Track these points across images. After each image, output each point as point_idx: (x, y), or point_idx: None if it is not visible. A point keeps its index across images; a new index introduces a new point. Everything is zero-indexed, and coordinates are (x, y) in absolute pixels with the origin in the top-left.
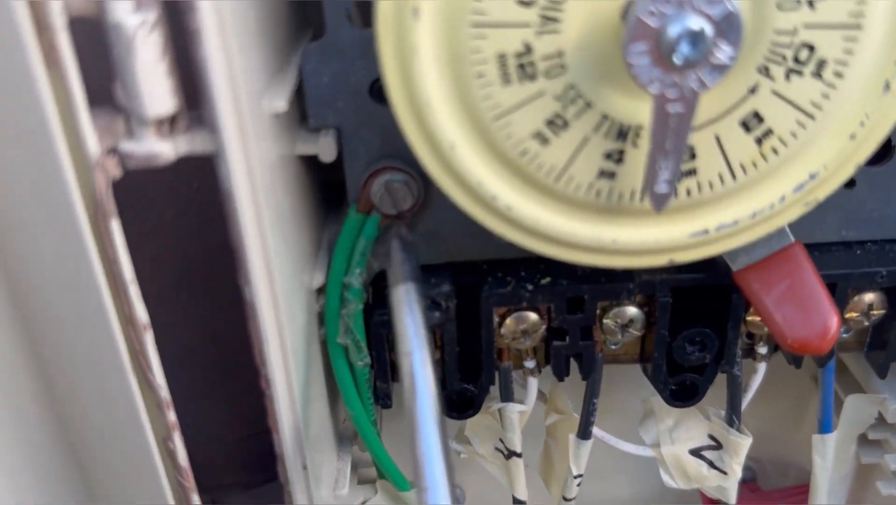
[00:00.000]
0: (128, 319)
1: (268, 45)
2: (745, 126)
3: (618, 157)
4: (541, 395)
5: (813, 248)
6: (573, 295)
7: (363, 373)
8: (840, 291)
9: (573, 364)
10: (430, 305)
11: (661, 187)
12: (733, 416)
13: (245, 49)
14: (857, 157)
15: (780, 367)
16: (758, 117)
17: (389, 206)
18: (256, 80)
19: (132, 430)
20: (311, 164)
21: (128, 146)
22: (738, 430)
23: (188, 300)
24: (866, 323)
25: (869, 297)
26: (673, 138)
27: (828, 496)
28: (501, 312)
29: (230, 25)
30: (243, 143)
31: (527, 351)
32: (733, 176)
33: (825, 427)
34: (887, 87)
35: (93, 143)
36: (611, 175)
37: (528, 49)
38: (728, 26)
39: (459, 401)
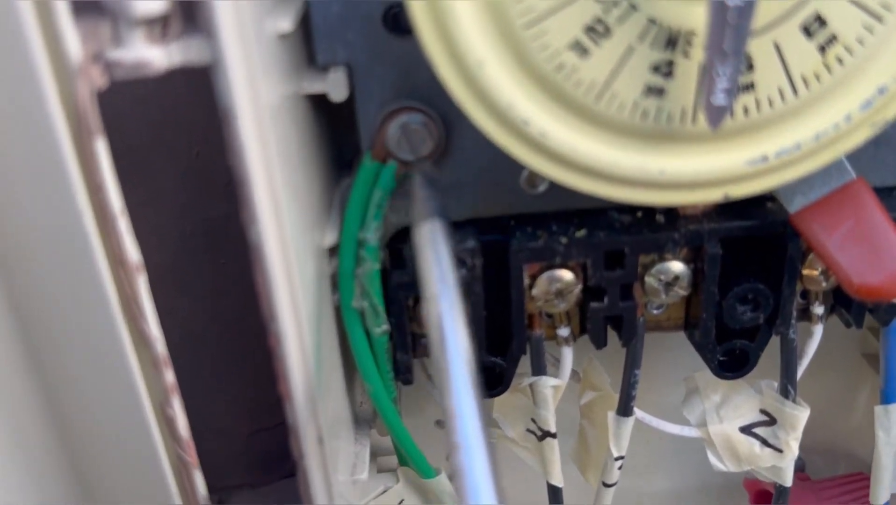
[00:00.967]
0: (117, 259)
1: None
2: (807, 31)
3: (667, 69)
4: (573, 374)
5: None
6: (612, 248)
7: (381, 342)
8: None
9: (611, 334)
10: (455, 262)
11: (719, 98)
12: (788, 385)
13: None
14: None
15: (828, 347)
16: (820, 21)
17: (407, 151)
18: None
19: (124, 392)
20: (322, 111)
21: (115, 53)
22: (795, 401)
23: (190, 281)
24: None
25: None
26: (732, 37)
27: (892, 477)
28: (532, 272)
29: None
30: (245, 52)
31: (560, 317)
32: (794, 91)
33: (889, 396)
34: None
35: (75, 48)
36: (659, 92)
37: None
38: None
39: (487, 377)
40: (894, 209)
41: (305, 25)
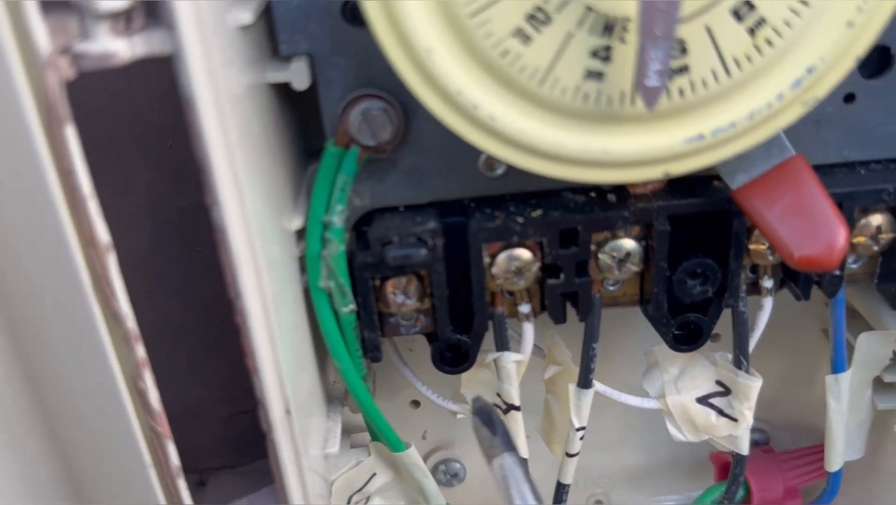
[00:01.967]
0: (88, 240)
1: None
2: (737, 15)
3: (605, 54)
4: (539, 350)
5: (816, 170)
6: (566, 227)
7: (349, 321)
8: (845, 212)
9: (572, 312)
10: (416, 242)
11: (652, 80)
12: (741, 357)
13: None
14: (855, 49)
15: (791, 323)
16: (749, 5)
17: (368, 136)
18: None
19: (97, 367)
20: (290, 101)
21: (81, 46)
22: (747, 371)
23: (165, 267)
24: (875, 248)
25: (877, 219)
26: (662, 21)
27: (845, 444)
28: (492, 251)
29: None
30: (203, 42)
31: (521, 294)
32: (727, 72)
33: (838, 366)
34: None
35: (44, 41)
36: (598, 75)
37: None
38: None
39: (453, 355)
40: (836, 185)
41: (269, 18)
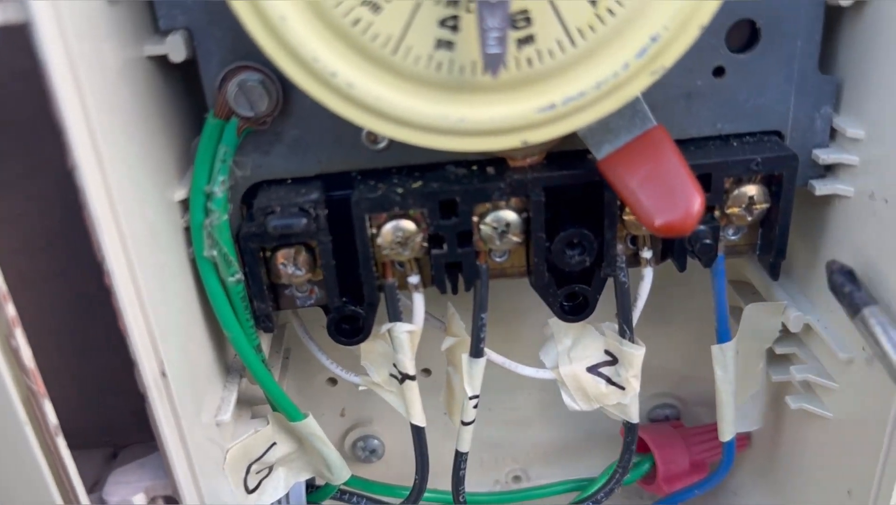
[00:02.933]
0: None
1: None
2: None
3: (452, 23)
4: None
5: (689, 143)
6: (445, 198)
7: (237, 290)
8: (716, 181)
9: (463, 285)
10: (298, 212)
11: (492, 46)
12: (624, 326)
13: None
14: (699, 18)
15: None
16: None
17: (246, 107)
18: None
19: None
20: (177, 76)
21: None
22: (632, 340)
23: (48, 266)
24: (749, 218)
25: (750, 189)
26: None
27: (736, 414)
28: (379, 222)
29: None
30: (56, 13)
31: (410, 265)
32: (572, 42)
33: (722, 336)
34: None
35: None
36: (448, 45)
37: None
38: None
39: (350, 327)
40: (705, 156)
41: None
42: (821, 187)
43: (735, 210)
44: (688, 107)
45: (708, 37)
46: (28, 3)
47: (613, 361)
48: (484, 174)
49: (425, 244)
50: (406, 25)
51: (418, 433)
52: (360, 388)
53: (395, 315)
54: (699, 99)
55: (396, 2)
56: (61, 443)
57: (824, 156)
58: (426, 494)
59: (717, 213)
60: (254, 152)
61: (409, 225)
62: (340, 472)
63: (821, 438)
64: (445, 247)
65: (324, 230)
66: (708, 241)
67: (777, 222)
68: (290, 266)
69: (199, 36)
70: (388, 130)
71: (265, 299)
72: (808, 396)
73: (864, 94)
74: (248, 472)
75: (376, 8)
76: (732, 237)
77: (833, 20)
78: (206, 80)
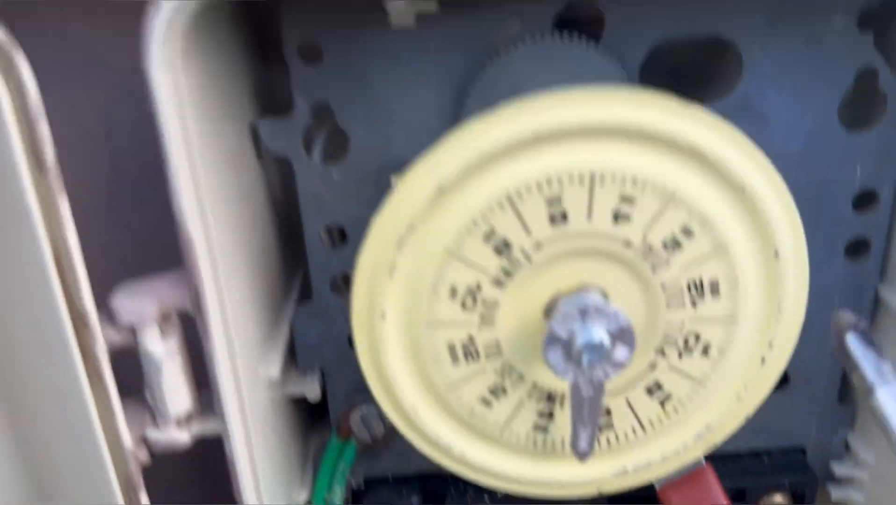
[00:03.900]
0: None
1: (263, 317)
2: (650, 392)
3: (548, 415)
4: None
5: (727, 458)
6: None
7: None
8: (749, 496)
9: None
10: None
11: (582, 446)
12: None
13: (246, 339)
14: (743, 412)
15: None
16: (659, 386)
17: (366, 435)
18: (254, 352)
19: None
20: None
21: (153, 434)
22: None
23: None
24: None
25: (777, 497)
26: (588, 411)
27: None
28: None
29: (233, 323)
30: (244, 423)
31: None
32: (643, 429)
33: None
34: (763, 361)
35: (126, 435)
36: (544, 429)
37: (471, 339)
38: (623, 336)
39: None
40: (741, 476)
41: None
42: (836, 493)
43: None
44: None
45: None
46: (226, 419)
47: None
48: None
49: None
50: (511, 416)
51: None
52: None
53: None
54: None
55: (505, 400)
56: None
57: (839, 470)
58: None
59: None
60: (366, 461)
61: None
62: None
63: None
64: None
65: None
66: None
67: None
68: None
69: (330, 375)
70: (492, 483)
71: None
72: None
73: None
74: None
75: (489, 405)
76: None
77: None
78: (332, 409)
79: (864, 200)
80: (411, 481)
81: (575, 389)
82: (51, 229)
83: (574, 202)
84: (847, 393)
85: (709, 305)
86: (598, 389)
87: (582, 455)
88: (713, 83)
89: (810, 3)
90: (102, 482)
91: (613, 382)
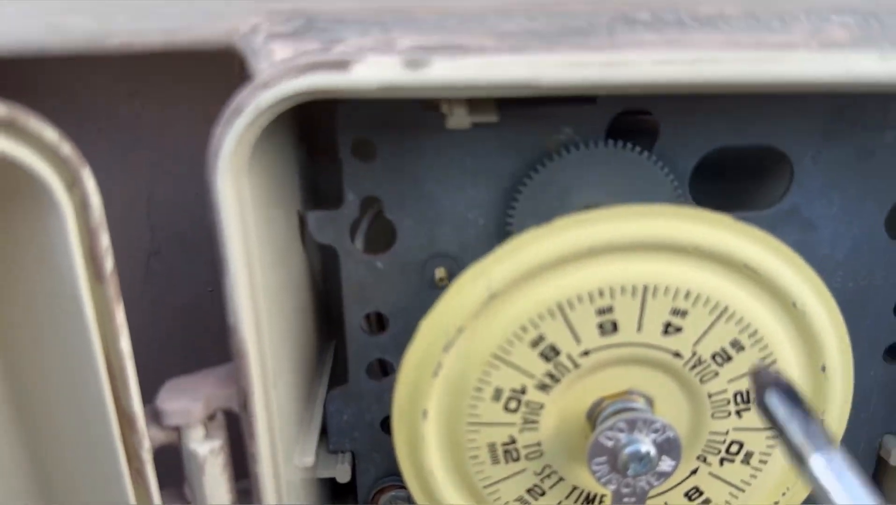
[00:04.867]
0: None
1: (300, 405)
2: (689, 497)
3: None
4: None
5: None
6: None
7: None
8: None
9: None
10: None
11: None
12: None
13: (287, 433)
14: None
15: None
16: (698, 491)
17: None
18: (292, 440)
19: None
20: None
21: None
22: None
23: None
24: None
25: None
26: None
27: None
28: None
29: (277, 419)
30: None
31: None
32: (741, 490)
33: None
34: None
35: None
36: None
37: (513, 440)
38: (669, 447)
39: None
40: None
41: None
42: None
43: None
44: None
45: None
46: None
47: None
48: None
49: None
50: None
51: None
52: None
53: None
54: None
55: (542, 501)
56: None
57: None
58: None
59: None
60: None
61: None
62: None
63: None
64: None
65: None
66: None
67: None
68: None
69: (361, 457)
70: None
71: None
72: None
73: None
74: None
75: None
76: None
77: None
78: (360, 492)
79: None
80: None
81: (617, 496)
82: (104, 335)
83: (625, 313)
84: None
85: (754, 416)
86: (641, 497)
87: None
88: (763, 190)
89: (863, 118)
90: None
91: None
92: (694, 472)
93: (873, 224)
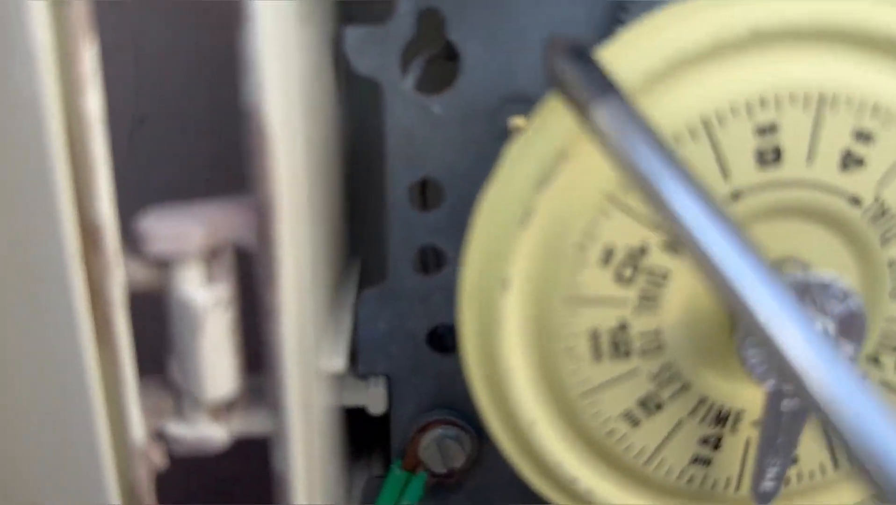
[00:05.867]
0: None
1: (326, 297)
2: None
3: (715, 443)
4: None
5: None
6: None
7: None
8: None
9: None
10: None
11: (768, 485)
12: None
13: (313, 314)
14: None
15: None
16: None
17: (440, 463)
18: (315, 337)
19: None
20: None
21: (176, 429)
22: None
23: None
24: None
25: None
26: (785, 435)
27: None
28: None
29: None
30: (307, 421)
31: None
32: (836, 465)
33: None
34: None
35: (138, 428)
36: (706, 462)
37: (624, 326)
38: (851, 325)
39: None
40: None
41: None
42: None
43: None
44: None
45: None
46: (283, 415)
47: None
48: None
49: None
50: (664, 441)
51: None
52: None
53: None
54: None
55: (659, 419)
56: None
57: None
58: None
59: None
60: (432, 500)
61: None
62: None
63: None
64: None
65: None
66: None
67: None
68: None
69: (398, 384)
70: None
71: None
72: None
73: None
74: None
75: (636, 423)
76: None
77: None
78: (395, 429)
79: None
80: None
81: (774, 400)
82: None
83: (794, 134)
84: None
85: None
86: (802, 410)
87: (764, 498)
88: None
89: None
90: (94, 492)
91: None
92: None
93: None
